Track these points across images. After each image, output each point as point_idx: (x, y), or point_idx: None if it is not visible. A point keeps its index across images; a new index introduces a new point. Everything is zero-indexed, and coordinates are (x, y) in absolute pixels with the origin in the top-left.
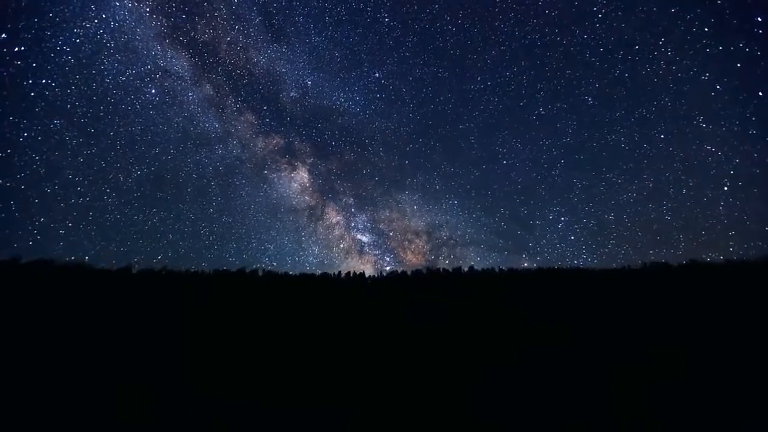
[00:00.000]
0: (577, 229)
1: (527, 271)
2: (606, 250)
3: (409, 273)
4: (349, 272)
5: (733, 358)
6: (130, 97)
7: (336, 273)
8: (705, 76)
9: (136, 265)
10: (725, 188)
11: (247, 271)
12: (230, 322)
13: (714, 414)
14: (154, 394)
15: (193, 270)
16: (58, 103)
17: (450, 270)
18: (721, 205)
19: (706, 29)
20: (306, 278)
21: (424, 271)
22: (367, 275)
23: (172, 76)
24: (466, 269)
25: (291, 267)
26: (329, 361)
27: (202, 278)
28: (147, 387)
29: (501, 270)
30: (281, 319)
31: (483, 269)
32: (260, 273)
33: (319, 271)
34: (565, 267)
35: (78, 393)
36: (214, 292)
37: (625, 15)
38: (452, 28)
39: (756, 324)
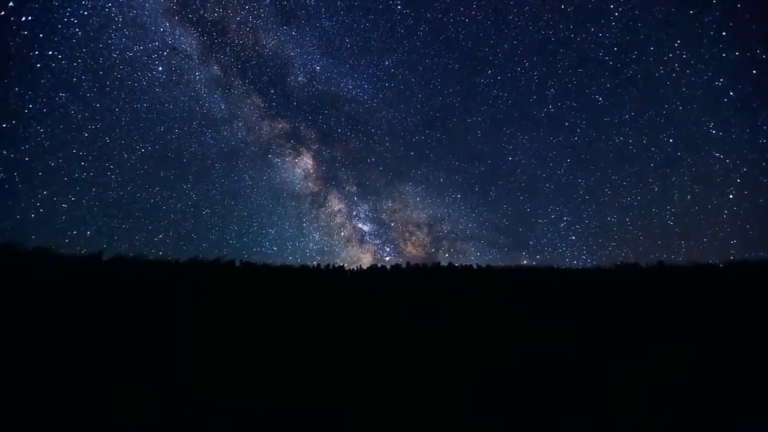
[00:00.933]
0: (578, 229)
1: (526, 268)
2: (606, 252)
3: (389, 267)
4: (328, 264)
5: (733, 358)
6: (137, 74)
7: (316, 264)
8: (719, 81)
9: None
10: (730, 196)
11: (224, 261)
12: (204, 313)
13: (714, 414)
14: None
15: (168, 258)
16: (64, 75)
17: (441, 264)
18: (725, 213)
19: (723, 33)
20: (285, 269)
21: (404, 266)
22: (347, 268)
23: (180, 54)
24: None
25: (291, 252)
26: (311, 357)
27: (176, 267)
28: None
29: (501, 267)
30: (258, 312)
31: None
32: (237, 264)
33: (318, 258)
34: (564, 267)
35: (41, 385)
36: (188, 282)
37: (642, 14)
38: (465, 19)
39: (756, 324)
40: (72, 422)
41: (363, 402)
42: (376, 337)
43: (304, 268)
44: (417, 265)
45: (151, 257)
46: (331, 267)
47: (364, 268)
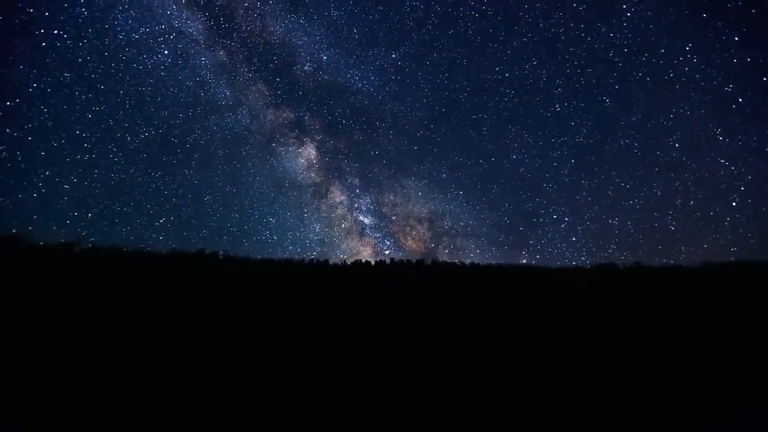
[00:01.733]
0: (579, 230)
1: (525, 267)
2: (605, 254)
3: (373, 263)
4: (312, 259)
5: (731, 359)
6: (142, 56)
7: (301, 259)
8: (728, 87)
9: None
10: (733, 204)
11: (207, 252)
12: (184, 306)
13: (713, 414)
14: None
15: (147, 249)
16: (70, 55)
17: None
18: (727, 221)
19: (736, 38)
20: (267, 263)
21: (388, 261)
22: (332, 263)
23: (186, 39)
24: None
25: (291, 242)
26: (290, 350)
27: (157, 258)
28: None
29: (499, 265)
30: (239, 306)
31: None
32: (220, 256)
33: (318, 249)
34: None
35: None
36: (168, 275)
37: (654, 16)
38: (475, 13)
39: (754, 325)
40: (34, 405)
41: (336, 395)
42: (356, 332)
43: (287, 262)
44: (402, 261)
45: (129, 248)
46: (314, 261)
47: (349, 263)
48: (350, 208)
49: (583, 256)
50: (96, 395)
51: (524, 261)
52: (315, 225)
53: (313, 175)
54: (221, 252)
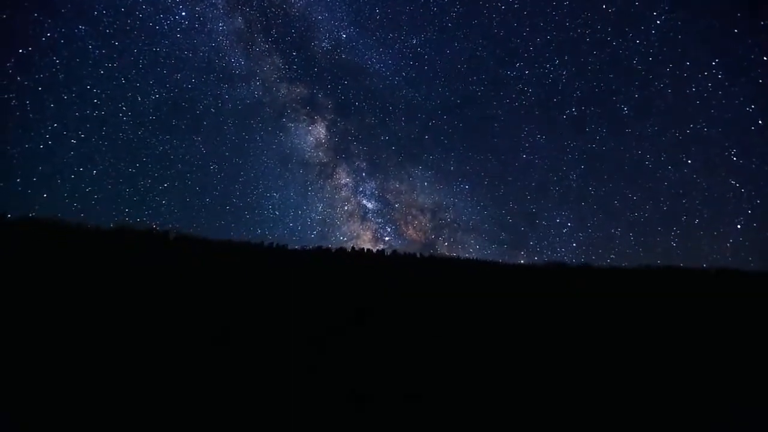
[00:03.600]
0: (581, 236)
1: (523, 266)
2: (605, 263)
3: (334, 249)
4: (272, 243)
5: (728, 361)
6: (159, 16)
7: (260, 242)
8: (750, 107)
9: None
10: (738, 226)
11: (156, 230)
12: (122, 287)
13: (711, 415)
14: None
15: (91, 225)
16: (85, 7)
17: (385, 252)
18: (729, 242)
19: (765, 58)
20: (227, 245)
21: (349, 249)
22: (327, 248)
23: (205, 2)
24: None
25: (293, 219)
26: (236, 334)
27: (101, 234)
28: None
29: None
30: (192, 289)
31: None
32: (171, 237)
33: (319, 228)
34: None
35: None
36: (112, 252)
37: (684, 26)
38: (501, 5)
39: (753, 328)
40: None
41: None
42: (307, 318)
43: (245, 245)
44: (364, 249)
45: (74, 223)
46: (274, 245)
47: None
48: (354, 191)
49: (582, 262)
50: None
51: (522, 261)
52: (318, 205)
53: (320, 154)
54: (173, 231)
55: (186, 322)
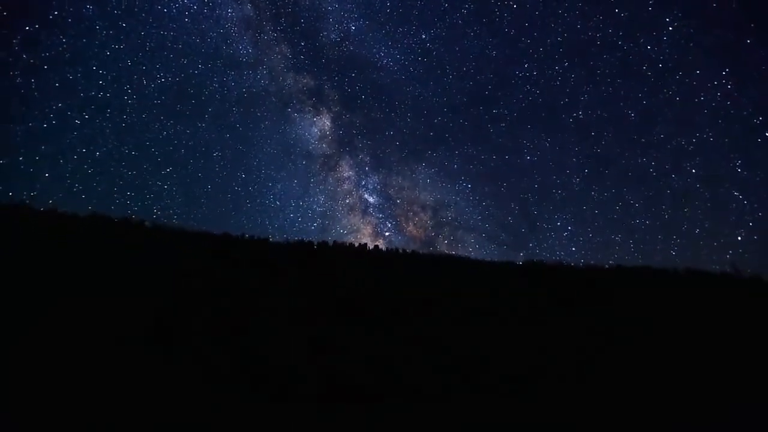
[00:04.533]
0: (580, 240)
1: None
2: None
3: (315, 245)
4: (243, 234)
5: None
6: None
7: (242, 234)
8: (757, 119)
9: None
10: (739, 238)
11: (133, 218)
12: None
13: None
14: None
15: (67, 212)
16: None
17: (369, 247)
18: (729, 253)
19: None
20: (203, 236)
21: (316, 244)
22: (313, 243)
23: None
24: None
25: (294, 210)
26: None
27: (77, 222)
28: None
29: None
30: (159, 281)
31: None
32: (148, 225)
33: (319, 220)
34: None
35: None
36: (89, 239)
37: (697, 34)
38: (513, 4)
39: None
40: None
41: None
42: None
43: (225, 236)
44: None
45: (43, 208)
46: (246, 237)
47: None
48: (357, 185)
49: (581, 266)
50: None
51: (520, 263)
52: (320, 197)
53: (324, 146)
54: (148, 221)
55: (125, 316)
